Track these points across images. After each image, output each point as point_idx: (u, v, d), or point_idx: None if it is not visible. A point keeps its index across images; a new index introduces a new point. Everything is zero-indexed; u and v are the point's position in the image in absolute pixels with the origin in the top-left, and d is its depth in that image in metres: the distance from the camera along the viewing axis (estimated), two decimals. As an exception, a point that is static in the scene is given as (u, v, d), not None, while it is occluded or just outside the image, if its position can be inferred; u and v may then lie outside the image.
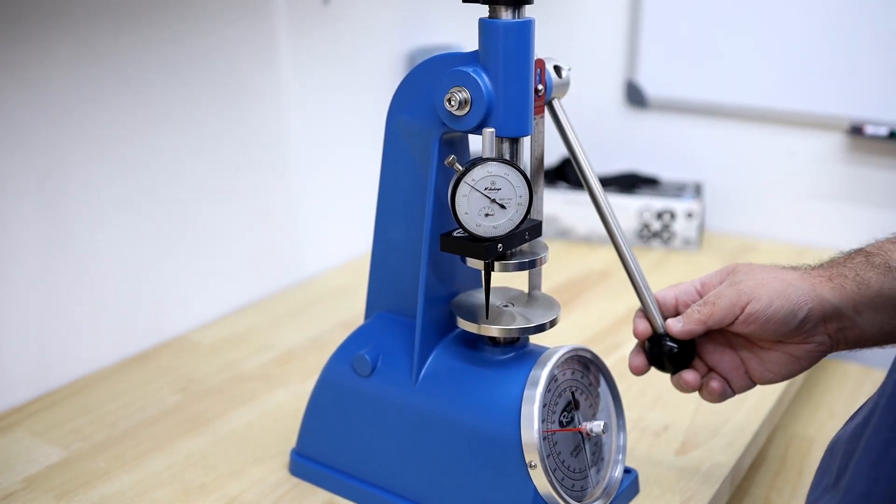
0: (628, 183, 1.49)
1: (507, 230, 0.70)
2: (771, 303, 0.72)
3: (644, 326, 0.79)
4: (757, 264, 0.77)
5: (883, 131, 1.36)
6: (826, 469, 0.56)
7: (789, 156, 1.47)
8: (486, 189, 0.69)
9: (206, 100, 1.11)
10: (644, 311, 0.79)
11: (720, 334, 0.78)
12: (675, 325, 0.77)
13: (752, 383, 0.79)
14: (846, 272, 0.74)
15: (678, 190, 1.48)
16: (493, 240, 0.70)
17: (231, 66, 1.13)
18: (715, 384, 0.78)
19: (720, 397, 0.79)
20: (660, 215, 1.43)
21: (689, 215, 1.42)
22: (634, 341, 0.81)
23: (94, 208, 1.01)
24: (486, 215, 0.69)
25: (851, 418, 0.57)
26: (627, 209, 1.44)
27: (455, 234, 0.73)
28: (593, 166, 0.79)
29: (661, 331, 0.78)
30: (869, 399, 0.56)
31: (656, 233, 1.44)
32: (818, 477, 0.58)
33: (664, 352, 0.78)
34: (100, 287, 1.04)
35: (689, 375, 0.78)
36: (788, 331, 0.73)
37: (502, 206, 0.69)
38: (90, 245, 1.02)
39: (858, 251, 0.75)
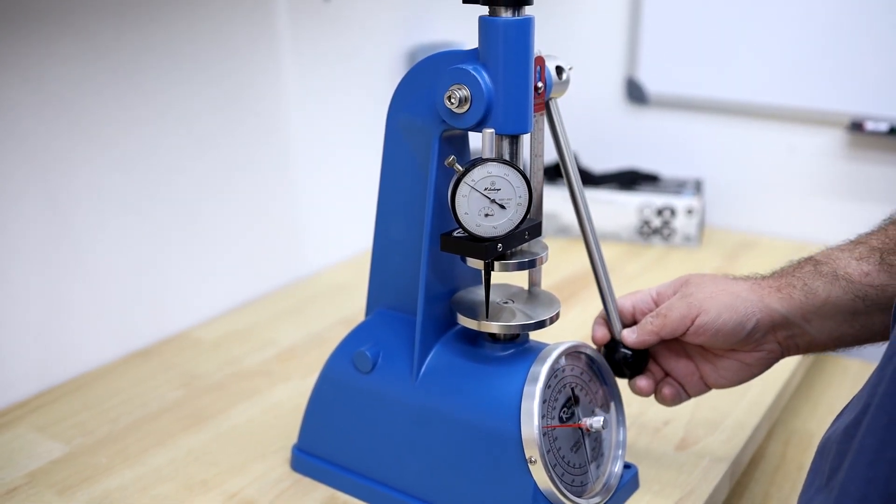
0: (629, 180, 1.49)
1: (507, 230, 0.70)
2: (719, 315, 0.75)
3: (602, 333, 0.82)
4: (709, 276, 0.80)
5: (883, 127, 1.36)
6: (818, 470, 0.56)
7: (790, 152, 1.47)
8: (485, 189, 0.69)
9: (207, 98, 1.11)
10: (605, 318, 0.82)
11: (675, 342, 0.81)
12: (630, 336, 0.80)
13: (706, 387, 0.82)
14: (794, 282, 0.75)
15: (678, 186, 1.48)
16: (493, 240, 0.70)
17: (232, 64, 1.13)
18: (667, 390, 0.81)
19: (672, 402, 0.82)
20: (660, 212, 1.43)
21: (690, 212, 1.42)
22: None
23: (96, 206, 1.01)
24: (486, 215, 0.69)
25: (839, 416, 0.57)
26: (627, 206, 1.44)
27: (455, 233, 0.73)
28: (581, 169, 0.80)
29: (619, 337, 0.81)
30: (856, 396, 0.56)
31: (656, 229, 1.44)
32: (809, 479, 0.58)
33: (619, 359, 0.81)
34: (102, 283, 1.04)
35: (642, 382, 0.81)
36: (738, 341, 0.76)
37: (502, 207, 0.69)
38: (92, 241, 1.02)
39: (808, 260, 0.77)
